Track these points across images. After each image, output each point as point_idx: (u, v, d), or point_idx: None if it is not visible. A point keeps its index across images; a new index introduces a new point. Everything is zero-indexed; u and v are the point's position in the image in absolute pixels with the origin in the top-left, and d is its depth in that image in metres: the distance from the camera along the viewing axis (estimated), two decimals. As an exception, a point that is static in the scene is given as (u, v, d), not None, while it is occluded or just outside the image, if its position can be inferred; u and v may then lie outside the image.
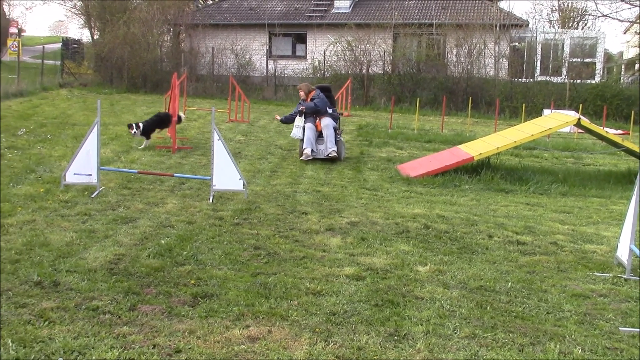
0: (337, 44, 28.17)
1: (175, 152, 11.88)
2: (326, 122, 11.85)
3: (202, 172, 9.97)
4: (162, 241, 6.08)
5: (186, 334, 4.09)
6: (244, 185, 8.20)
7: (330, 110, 12.09)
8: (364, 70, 27.37)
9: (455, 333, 4.35)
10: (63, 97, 21.65)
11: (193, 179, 9.26)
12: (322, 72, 28.76)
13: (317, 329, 4.27)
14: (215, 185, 8.06)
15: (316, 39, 29.67)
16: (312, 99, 11.90)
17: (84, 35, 52.74)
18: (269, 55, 29.85)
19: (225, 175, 8.06)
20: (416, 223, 7.42)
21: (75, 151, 8.21)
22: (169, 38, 31.23)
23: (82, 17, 36.66)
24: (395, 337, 4.23)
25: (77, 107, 18.85)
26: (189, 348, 3.89)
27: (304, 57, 30.19)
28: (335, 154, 11.71)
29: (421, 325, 4.44)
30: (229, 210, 7.58)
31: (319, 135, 11.86)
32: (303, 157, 11.62)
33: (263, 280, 5.16)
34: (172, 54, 30.10)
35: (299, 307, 4.66)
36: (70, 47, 34.80)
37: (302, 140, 11.79)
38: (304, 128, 11.72)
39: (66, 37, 38.75)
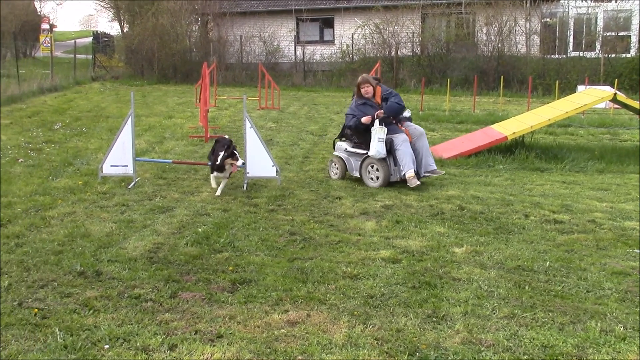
0: (365, 27, 27.98)
1: (208, 141, 11.98)
2: (410, 131, 8.52)
3: (235, 160, 10.03)
4: (199, 229, 6.16)
5: (227, 319, 4.16)
6: (277, 171, 8.24)
7: (407, 114, 8.78)
8: (393, 53, 27.17)
9: (494, 313, 4.34)
10: (96, 91, 21.98)
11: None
12: (351, 56, 28.63)
13: (355, 312, 4.30)
14: (248, 173, 8.13)
15: (344, 23, 29.51)
16: (384, 98, 8.47)
17: (114, 29, 53.46)
18: (297, 41, 29.81)
19: (259, 162, 8.12)
20: (451, 204, 7.38)
21: (111, 143, 8.35)
22: (197, 28, 31.39)
23: (112, 10, 37.08)
24: (434, 319, 4.24)
25: (110, 99, 19.13)
26: (230, 333, 3.96)
27: (332, 42, 30.07)
28: (440, 172, 8.57)
29: (459, 306, 4.44)
30: (263, 197, 7.64)
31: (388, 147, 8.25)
32: (412, 184, 8.01)
33: (300, 265, 5.21)
34: (201, 43, 30.26)
35: (337, 290, 4.70)
36: (100, 41, 35.28)
37: (387, 158, 8.26)
38: (391, 142, 8.21)
39: (96, 31, 39.25)
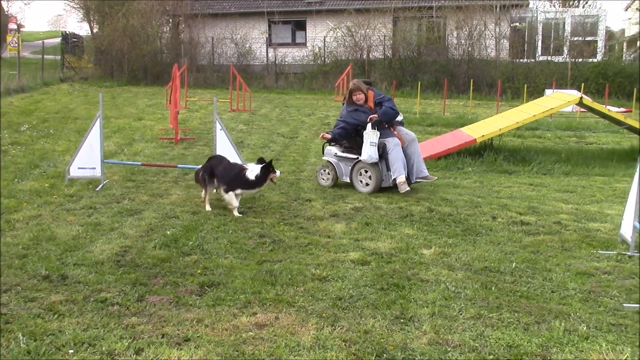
0: (337, 29, 28.08)
1: (178, 143, 11.90)
2: (402, 137, 8.33)
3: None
4: (168, 232, 6.12)
5: (194, 322, 4.14)
6: (247, 174, 8.20)
7: (399, 118, 8.59)
8: (365, 56, 27.30)
9: (461, 314, 4.38)
10: (64, 92, 21.68)
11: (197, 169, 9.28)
12: (323, 58, 28.71)
13: (323, 314, 4.31)
14: (218, 175, 8.08)
15: (316, 25, 29.58)
16: (378, 103, 8.28)
17: (83, 29, 52.75)
18: (269, 43, 29.79)
19: (229, 164, 8.07)
20: (420, 207, 7.44)
21: (79, 145, 8.24)
22: (168, 29, 31.18)
23: (81, 10, 36.56)
24: (402, 320, 4.26)
25: (79, 101, 18.88)
26: (198, 336, 3.94)
27: (304, 44, 30.11)
28: (434, 178, 8.46)
29: (427, 307, 4.47)
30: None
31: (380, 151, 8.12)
32: (402, 190, 7.85)
33: (269, 268, 5.20)
34: (172, 45, 30.06)
35: (305, 293, 4.70)
36: (69, 42, 34.76)
37: (379, 162, 8.15)
38: (384, 146, 8.09)
39: (65, 32, 38.69)
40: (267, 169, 7.02)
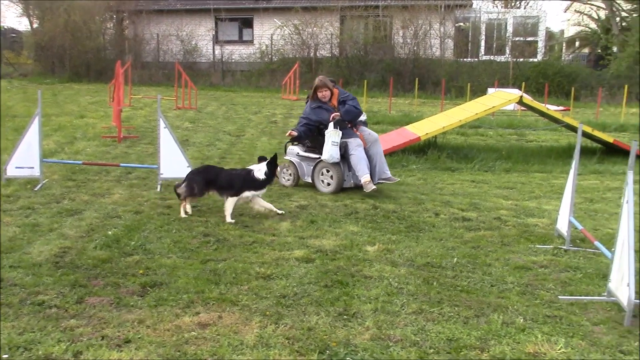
0: (284, 27, 28.05)
1: (121, 142, 11.68)
2: (365, 136, 8.23)
3: (150, 161, 9.85)
4: (109, 232, 6.00)
5: (135, 323, 4.08)
6: (192, 172, 8.12)
7: (362, 117, 8.51)
8: (312, 54, 27.35)
9: (403, 309, 4.45)
10: (2, 89, 20.97)
11: (140, 168, 9.14)
12: (270, 56, 28.63)
13: (267, 312, 4.31)
14: (162, 174, 7.99)
15: (263, 23, 29.47)
16: (342, 101, 8.13)
17: (22, 24, 51.13)
18: (216, 40, 29.51)
19: (173, 163, 7.98)
20: (365, 204, 7.51)
21: (16, 144, 7.99)
22: (112, 25, 30.54)
23: (20, 4, 35.43)
24: (345, 316, 4.30)
25: (18, 98, 18.31)
26: (139, 337, 3.88)
27: (251, 42, 29.97)
28: (396, 179, 8.36)
29: (370, 303, 4.53)
30: (177, 198, 7.51)
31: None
32: (368, 189, 7.74)
33: (213, 267, 5.16)
34: (116, 41, 29.49)
35: (249, 291, 4.69)
36: (7, 37, 33.63)
37: (342, 163, 8.05)
38: (346, 146, 7.97)
39: (3, 26, 37.40)
40: (273, 164, 6.91)
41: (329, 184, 8.13)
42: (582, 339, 4.06)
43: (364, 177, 7.79)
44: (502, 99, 11.86)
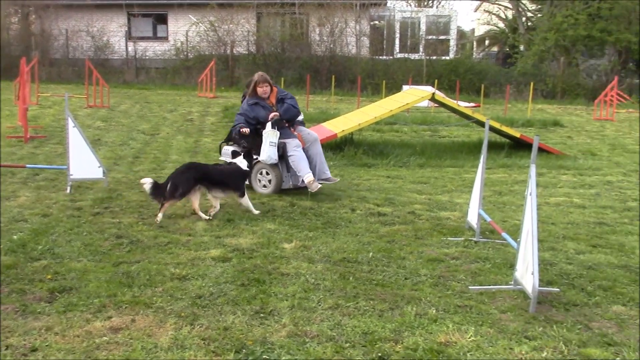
0: (200, 24, 27.64)
1: (28, 142, 11.18)
2: (303, 136, 8.11)
3: (59, 161, 9.49)
4: (15, 237, 5.74)
5: (43, 331, 3.92)
6: (104, 173, 7.90)
7: (300, 117, 8.35)
8: (228, 51, 27.09)
9: (320, 305, 4.49)
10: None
11: (48, 169, 8.79)
12: (185, 53, 28.15)
13: (182, 314, 4.24)
14: (72, 175, 7.71)
15: (177, 19, 28.91)
16: (280, 100, 7.96)
17: None
18: (129, 37, 28.71)
19: (83, 163, 7.73)
20: (282, 201, 7.52)
21: None
22: (17, 20, 29.14)
23: None
24: (262, 314, 4.29)
25: None
26: (46, 345, 3.73)
27: (166, 39, 29.34)
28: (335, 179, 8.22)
29: (286, 300, 4.54)
30: (88, 199, 7.29)
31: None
32: (314, 189, 7.60)
33: (126, 269, 5.03)
34: (21, 37, 28.14)
35: (164, 293, 4.60)
36: None
37: (281, 164, 7.90)
38: (284, 147, 7.78)
39: None
40: (250, 154, 7.14)
41: (265, 186, 7.97)
42: (491, 326, 4.22)
43: (307, 177, 7.62)
44: (415, 96, 12.14)
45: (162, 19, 29.95)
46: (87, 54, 27.10)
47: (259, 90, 7.86)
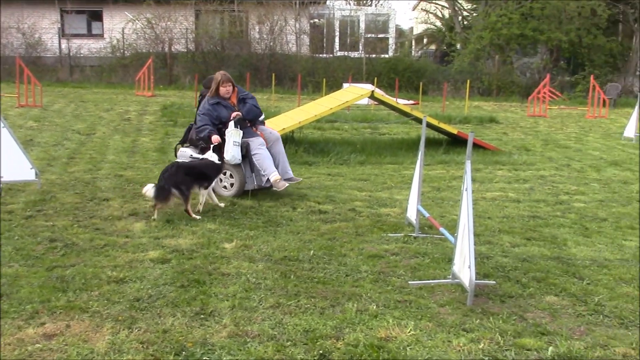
0: (136, 21, 27.09)
1: None
2: (266, 135, 7.98)
3: (-12, 163, 9.11)
4: (-60, 242, 5.50)
5: (-29, 340, 3.77)
6: (36, 174, 7.65)
7: (261, 117, 8.17)
8: (166, 49, 26.65)
9: (261, 304, 4.47)
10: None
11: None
12: (122, 51, 27.53)
13: (120, 317, 4.15)
14: (2, 177, 7.42)
15: (113, 16, 28.26)
16: (241, 99, 7.84)
17: None
18: (62, 34, 27.86)
19: (14, 165, 7.46)
20: (222, 201, 7.44)
21: None
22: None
23: None
24: (202, 316, 4.24)
25: None
26: (-25, 355, 3.59)
27: (101, 36, 28.63)
28: (297, 179, 8.14)
29: (227, 300, 4.50)
30: (20, 202, 7.04)
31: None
32: (280, 187, 7.54)
33: (60, 274, 4.88)
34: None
35: (100, 297, 4.49)
36: None
37: (244, 164, 7.68)
38: (247, 146, 7.63)
39: None
40: (220, 149, 7.22)
41: (225, 187, 7.74)
42: (430, 320, 4.29)
43: (273, 175, 7.49)
44: (355, 93, 12.22)
45: (96, 16, 29.22)
46: (17, 51, 26.15)
47: (222, 89, 7.65)
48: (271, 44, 27.34)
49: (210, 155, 7.12)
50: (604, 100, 20.26)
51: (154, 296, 4.54)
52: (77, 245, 5.63)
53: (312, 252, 5.68)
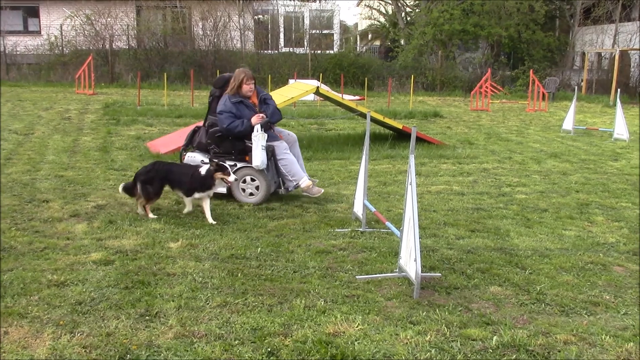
0: (75, 17, 26.39)
1: None
2: (285, 138, 7.69)
3: None
4: None
5: None
6: (-30, 176, 7.36)
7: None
8: (107, 46, 26.06)
9: (208, 304, 4.41)
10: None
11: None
12: (61, 48, 26.79)
13: (61, 322, 4.02)
14: None
15: (50, 12, 27.47)
16: (263, 100, 7.46)
17: None
18: (-4, 30, 26.93)
19: (-54, 167, 7.16)
20: (167, 200, 7.32)
21: None
22: None
23: None
24: (147, 317, 4.15)
25: None
26: None
27: (39, 33, 27.81)
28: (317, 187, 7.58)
29: (173, 301, 4.42)
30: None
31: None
32: (315, 194, 7.32)
33: (-3, 279, 4.71)
34: None
35: (40, 301, 4.35)
36: None
37: (268, 169, 7.25)
38: (273, 151, 7.28)
39: None
40: (215, 168, 6.60)
41: (251, 194, 7.30)
42: (377, 314, 4.32)
43: (304, 182, 7.21)
44: (300, 90, 12.20)
45: (33, 12, 28.38)
46: (-51, 49, 25.18)
47: (245, 87, 7.21)
48: (215, 40, 27.09)
49: (218, 168, 6.58)
50: (543, 94, 20.85)
51: (96, 299, 4.42)
52: (15, 249, 5.44)
53: (259, 249, 5.64)
